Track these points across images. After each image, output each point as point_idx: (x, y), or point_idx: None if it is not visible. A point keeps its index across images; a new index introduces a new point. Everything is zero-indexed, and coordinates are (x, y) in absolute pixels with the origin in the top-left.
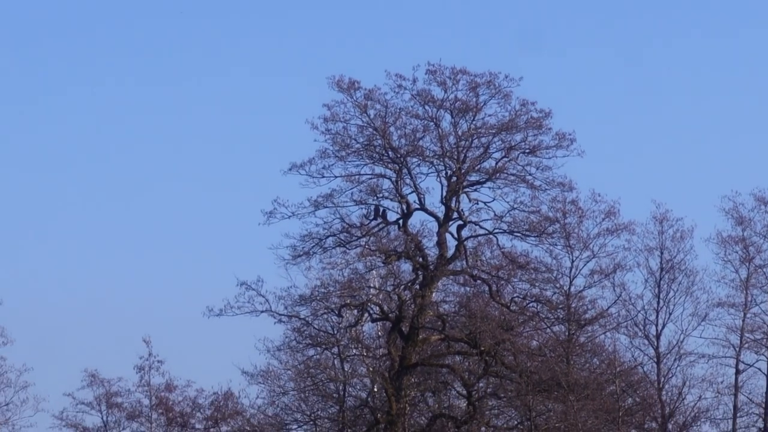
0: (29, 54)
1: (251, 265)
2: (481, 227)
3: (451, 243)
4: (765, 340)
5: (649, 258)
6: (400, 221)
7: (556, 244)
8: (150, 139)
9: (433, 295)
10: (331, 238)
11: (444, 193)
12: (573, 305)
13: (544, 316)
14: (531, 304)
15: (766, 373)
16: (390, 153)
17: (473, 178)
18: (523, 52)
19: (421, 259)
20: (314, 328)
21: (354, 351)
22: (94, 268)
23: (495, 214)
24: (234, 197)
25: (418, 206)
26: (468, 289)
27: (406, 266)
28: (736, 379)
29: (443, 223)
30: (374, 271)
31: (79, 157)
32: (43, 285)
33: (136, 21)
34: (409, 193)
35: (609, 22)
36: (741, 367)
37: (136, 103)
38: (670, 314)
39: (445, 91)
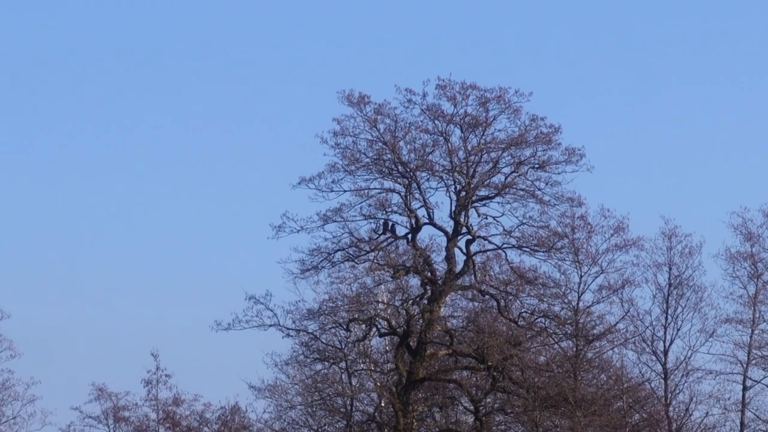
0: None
1: (260, 279)
2: (489, 242)
3: (460, 258)
4: None
5: (658, 274)
6: (409, 236)
7: (564, 260)
8: (157, 152)
9: (441, 310)
10: (339, 252)
11: (453, 208)
12: (581, 321)
13: (552, 332)
14: (539, 320)
15: None
16: (399, 167)
17: (482, 193)
18: (532, 66)
19: (429, 274)
20: (322, 342)
21: (361, 365)
22: (102, 282)
23: (504, 229)
24: (243, 211)
25: (427, 221)
26: (476, 304)
27: (414, 281)
28: (744, 395)
29: (452, 238)
30: (383, 286)
31: (88, 169)
32: (51, 298)
33: (145, 30)
34: (419, 208)
35: (619, 36)
36: (748, 383)
37: (144, 116)
38: (678, 330)
39: (455, 106)
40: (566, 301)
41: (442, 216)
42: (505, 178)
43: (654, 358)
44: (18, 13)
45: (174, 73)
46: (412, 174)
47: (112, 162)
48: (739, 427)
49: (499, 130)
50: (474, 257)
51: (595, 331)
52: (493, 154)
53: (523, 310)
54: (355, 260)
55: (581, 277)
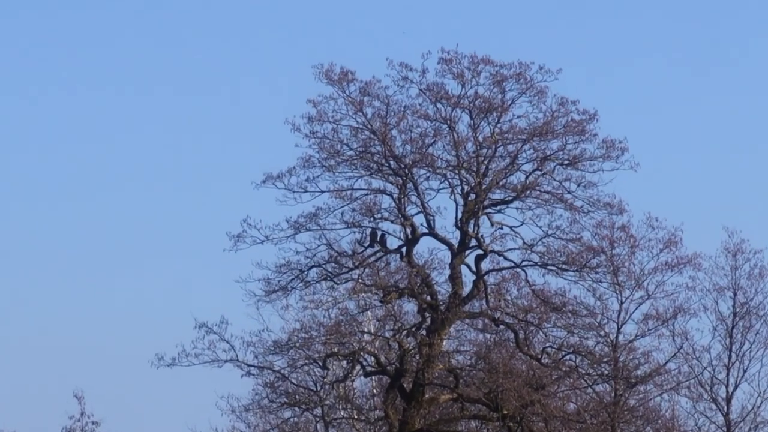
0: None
1: (213, 303)
2: (505, 258)
3: (468, 278)
4: None
5: (719, 300)
6: (404, 249)
7: (600, 281)
8: (83, 141)
9: (444, 343)
10: (315, 269)
11: (459, 215)
12: (621, 359)
13: (584, 372)
14: (568, 357)
15: None
16: (392, 163)
17: (497, 195)
18: (554, 33)
19: (428, 298)
20: (292, 382)
21: (342, 413)
22: (14, 304)
23: (524, 242)
24: (193, 215)
25: (426, 230)
26: (488, 336)
27: (409, 306)
28: None
29: (458, 253)
30: (369, 312)
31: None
32: None
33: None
34: (415, 214)
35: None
36: None
37: (75, 104)
38: (745, 372)
39: (463, 86)
40: (602, 333)
41: (446, 225)
42: (526, 178)
43: (714, 406)
44: None
45: (123, 50)
46: (407, 171)
47: (35, 168)
48: None
49: (519, 117)
50: (486, 277)
51: (639, 372)
52: (510, 147)
53: (547, 345)
54: (335, 279)
55: (622, 303)
